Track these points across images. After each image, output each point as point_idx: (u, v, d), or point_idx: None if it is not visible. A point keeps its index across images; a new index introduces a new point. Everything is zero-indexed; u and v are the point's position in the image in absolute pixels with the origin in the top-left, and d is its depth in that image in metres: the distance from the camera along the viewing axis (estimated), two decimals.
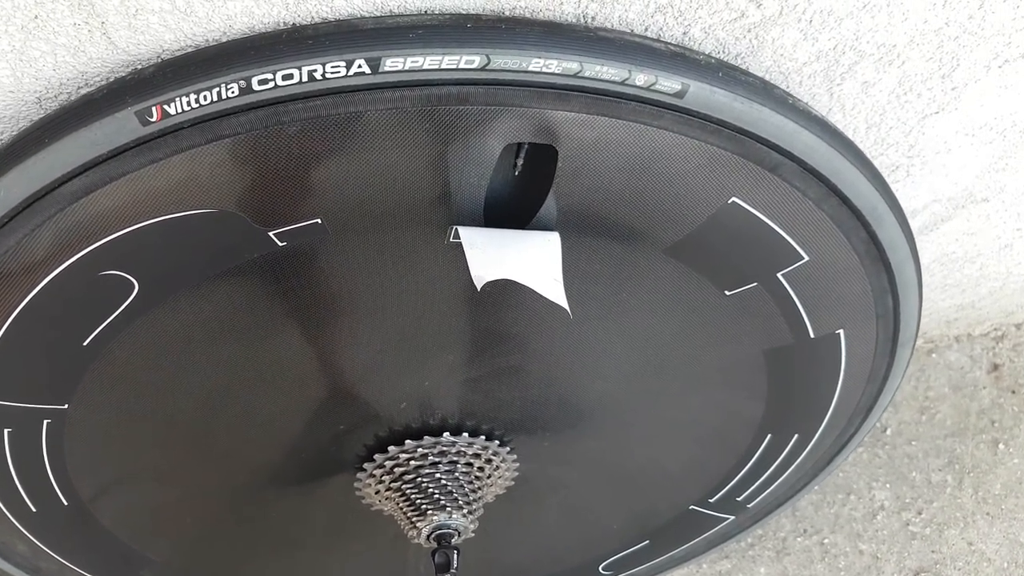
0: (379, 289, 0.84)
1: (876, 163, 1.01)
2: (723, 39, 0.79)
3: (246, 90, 0.66)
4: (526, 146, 0.76)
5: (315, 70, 0.66)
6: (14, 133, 0.73)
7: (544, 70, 0.69)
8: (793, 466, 1.17)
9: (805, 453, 1.15)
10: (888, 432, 1.57)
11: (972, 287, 1.43)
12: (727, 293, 0.91)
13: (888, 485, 1.53)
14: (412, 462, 1.01)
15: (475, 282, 0.73)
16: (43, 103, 0.72)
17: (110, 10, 0.65)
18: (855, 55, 0.84)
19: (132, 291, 0.78)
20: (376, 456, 1.02)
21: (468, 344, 0.94)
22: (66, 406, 0.86)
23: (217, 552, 1.16)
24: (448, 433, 1.01)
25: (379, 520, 1.10)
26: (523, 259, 0.77)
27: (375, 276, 0.83)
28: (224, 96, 0.66)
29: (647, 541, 1.28)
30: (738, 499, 1.21)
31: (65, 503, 0.96)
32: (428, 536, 1.01)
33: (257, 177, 0.71)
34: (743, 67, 0.82)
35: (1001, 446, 1.53)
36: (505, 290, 0.82)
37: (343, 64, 0.66)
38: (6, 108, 0.72)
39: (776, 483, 1.19)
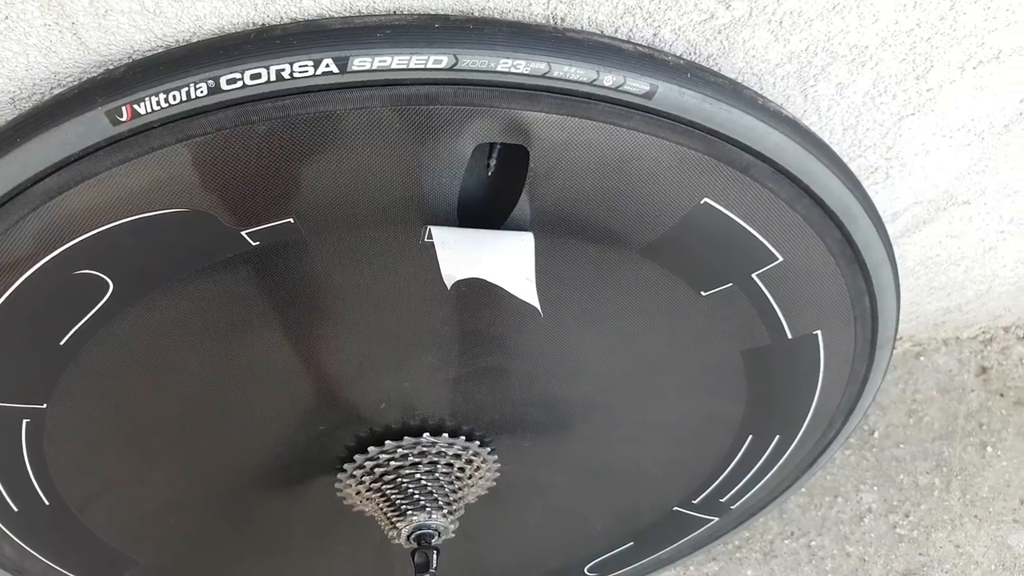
0: (355, 289, 0.85)
1: (854, 165, 1.01)
2: (694, 40, 0.80)
3: (215, 89, 0.67)
4: (498, 146, 0.77)
5: (283, 69, 0.66)
6: None
7: (512, 70, 0.70)
8: (775, 467, 1.17)
9: (787, 454, 1.15)
10: (876, 435, 1.56)
11: (958, 290, 1.43)
12: (703, 294, 0.91)
13: (875, 488, 1.53)
14: (392, 462, 1.01)
15: (446, 281, 0.73)
16: (16, 103, 0.73)
17: (80, 11, 0.66)
18: (827, 56, 0.84)
19: (107, 290, 0.79)
20: (356, 457, 1.02)
21: (447, 345, 0.94)
22: (45, 406, 0.86)
23: (201, 554, 1.16)
24: (428, 433, 1.01)
25: (364, 523, 1.10)
26: (496, 259, 0.77)
27: (350, 276, 0.83)
28: (193, 96, 0.67)
29: (631, 542, 1.28)
30: (721, 500, 1.21)
31: (47, 503, 0.96)
32: (408, 536, 1.02)
33: (228, 176, 0.71)
34: (715, 69, 0.82)
35: (989, 449, 1.53)
36: (483, 291, 0.82)
37: (311, 63, 0.66)
38: None
39: (759, 484, 1.19)
